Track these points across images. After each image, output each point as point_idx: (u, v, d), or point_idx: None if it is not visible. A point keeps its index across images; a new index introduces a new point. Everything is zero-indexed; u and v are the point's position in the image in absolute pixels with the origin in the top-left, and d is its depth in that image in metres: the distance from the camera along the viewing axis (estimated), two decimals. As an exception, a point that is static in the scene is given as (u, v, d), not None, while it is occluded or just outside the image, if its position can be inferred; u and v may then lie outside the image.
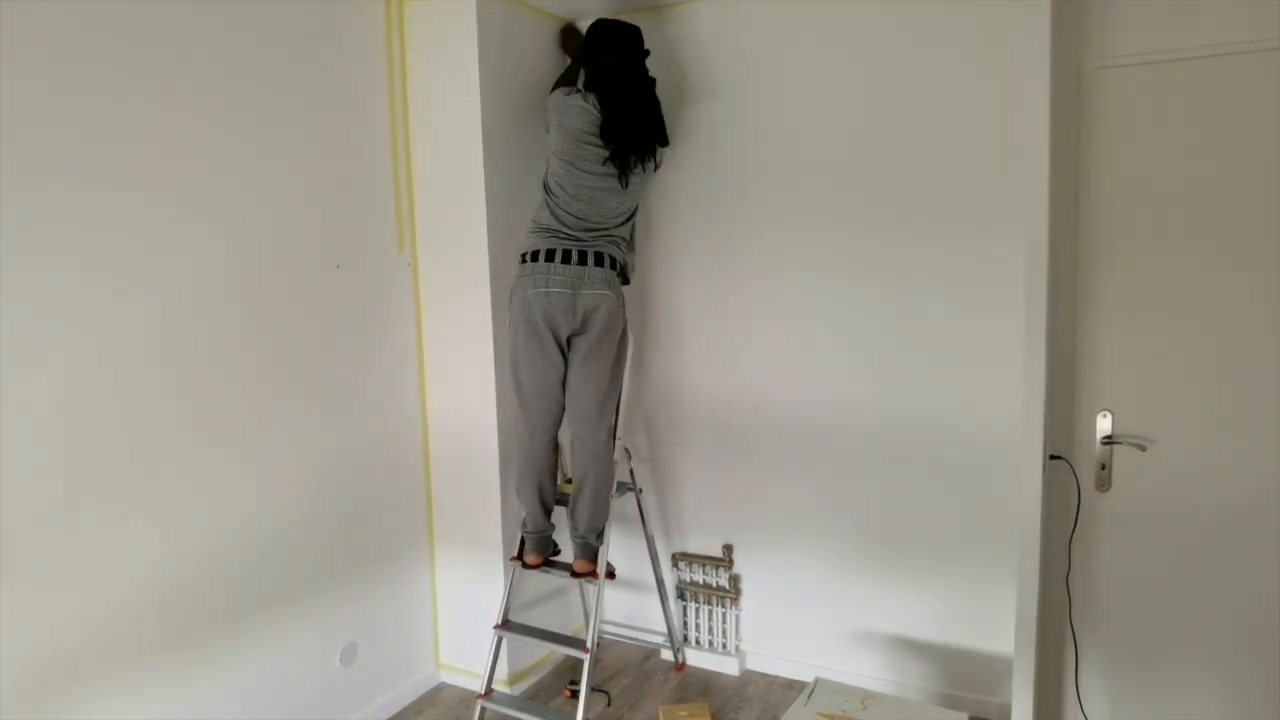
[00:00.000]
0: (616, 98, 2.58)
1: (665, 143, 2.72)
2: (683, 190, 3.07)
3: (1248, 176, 2.17)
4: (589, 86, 2.60)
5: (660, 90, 3.06)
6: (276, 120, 2.40)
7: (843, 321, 2.83)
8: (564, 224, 2.59)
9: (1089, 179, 2.35)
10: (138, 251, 2.06)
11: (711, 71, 2.96)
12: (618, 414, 2.83)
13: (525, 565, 2.78)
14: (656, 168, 2.72)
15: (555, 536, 2.85)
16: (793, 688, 3.02)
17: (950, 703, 2.78)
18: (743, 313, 3.01)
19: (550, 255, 2.55)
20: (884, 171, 2.71)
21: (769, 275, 2.94)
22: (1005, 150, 2.52)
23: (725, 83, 2.94)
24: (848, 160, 2.76)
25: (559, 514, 2.87)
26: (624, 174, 2.58)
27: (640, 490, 3.08)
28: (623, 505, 3.17)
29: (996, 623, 2.70)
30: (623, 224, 2.67)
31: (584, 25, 3.11)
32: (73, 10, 1.90)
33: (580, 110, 2.57)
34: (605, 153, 2.57)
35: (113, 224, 2.01)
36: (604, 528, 2.73)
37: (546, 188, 2.64)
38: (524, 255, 2.61)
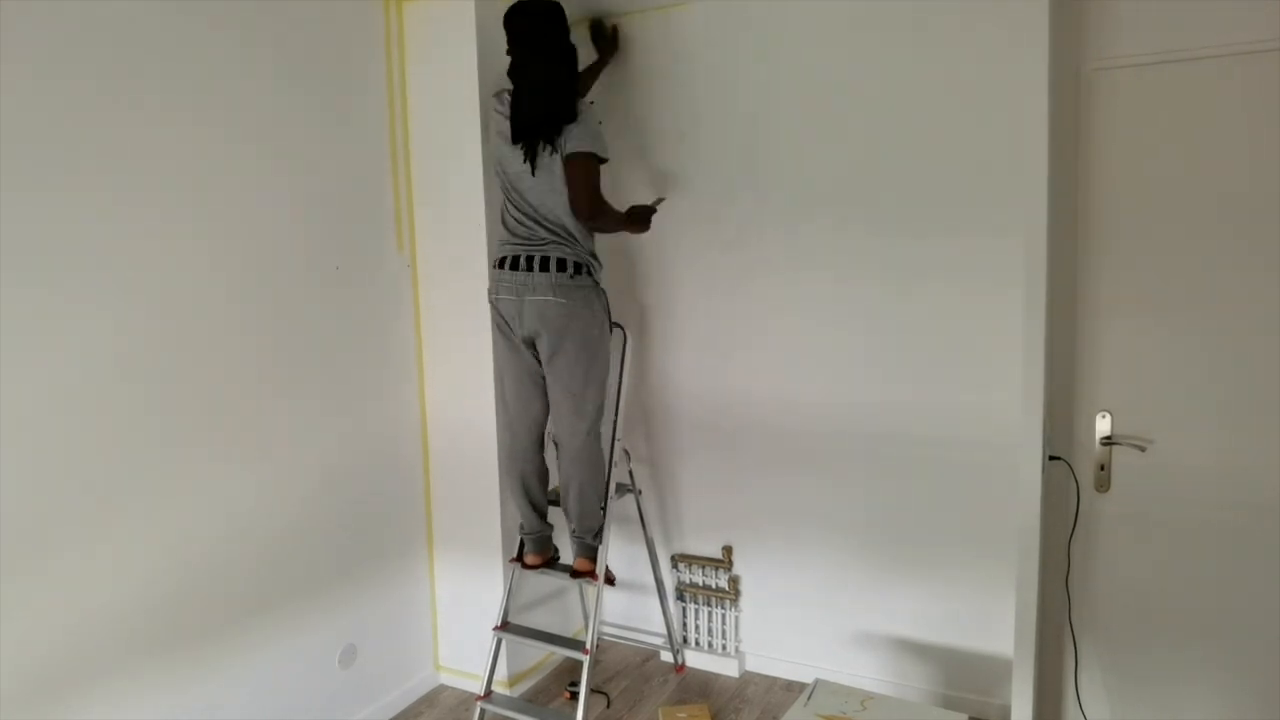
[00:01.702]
0: (519, 83, 2.51)
1: (572, 119, 2.46)
2: (679, 189, 3.07)
3: (1247, 176, 2.18)
4: (509, 75, 2.54)
5: (655, 91, 3.06)
6: (275, 120, 2.40)
7: (841, 322, 2.83)
8: (516, 231, 2.55)
9: (1088, 179, 2.35)
10: (136, 251, 2.06)
11: (707, 72, 2.96)
12: (617, 413, 2.82)
13: (524, 566, 2.78)
14: (557, 151, 2.46)
15: (556, 538, 2.85)
16: (792, 689, 3.02)
17: (950, 704, 2.78)
18: (741, 314, 3.01)
19: (502, 262, 2.55)
20: (883, 171, 2.71)
21: (767, 276, 2.94)
22: (1004, 151, 2.52)
23: (721, 83, 2.94)
24: (846, 160, 2.76)
25: (559, 515, 2.87)
26: (531, 160, 2.47)
27: (639, 492, 3.08)
28: (622, 506, 3.17)
29: (996, 623, 2.70)
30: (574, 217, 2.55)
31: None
32: (68, 10, 1.89)
33: (495, 114, 2.59)
34: (519, 148, 2.49)
35: (111, 224, 2.00)
36: (600, 527, 2.72)
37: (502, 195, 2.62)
38: (491, 262, 2.64)
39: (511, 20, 2.53)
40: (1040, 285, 2.06)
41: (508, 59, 2.55)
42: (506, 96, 2.56)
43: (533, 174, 2.48)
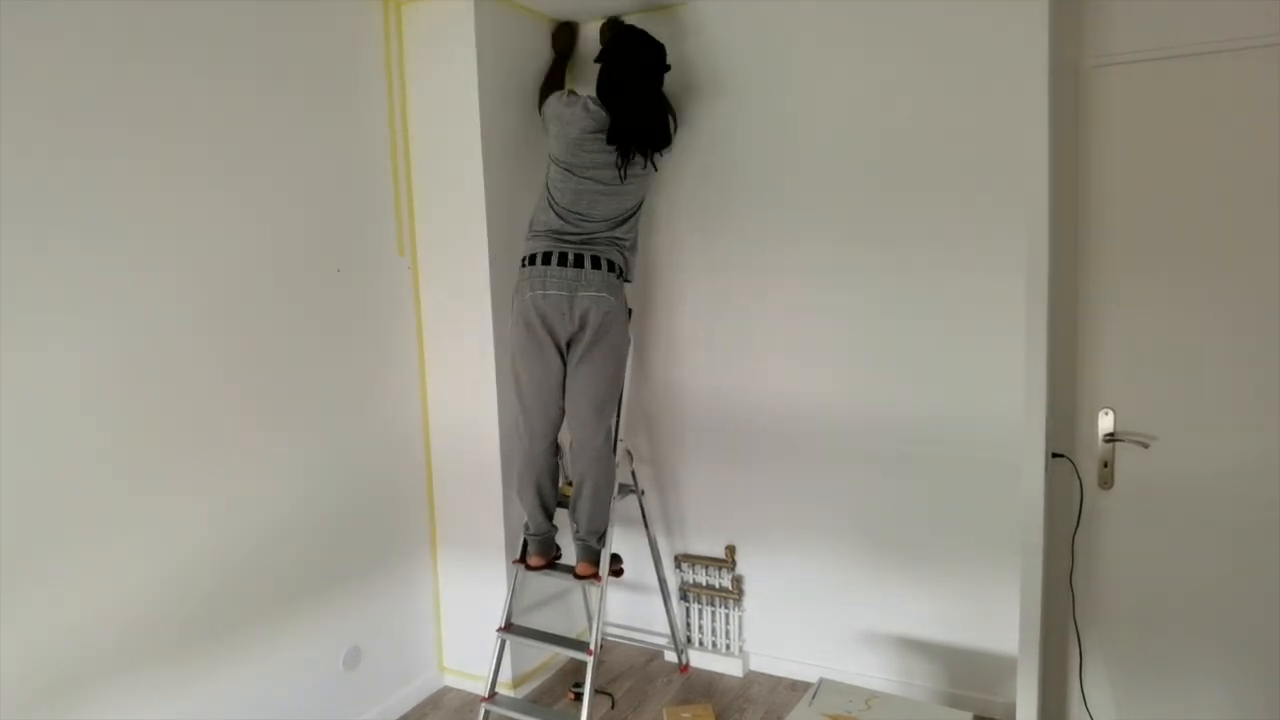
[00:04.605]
0: (629, 97, 2.59)
1: (667, 143, 2.71)
2: (683, 190, 3.07)
3: (1247, 172, 2.17)
4: (602, 87, 2.64)
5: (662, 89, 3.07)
6: (275, 124, 2.40)
7: (843, 322, 2.83)
8: (562, 228, 2.60)
9: (1088, 177, 2.35)
10: (140, 255, 2.06)
11: (711, 71, 2.96)
12: (619, 416, 2.83)
13: (528, 567, 2.78)
14: (655, 168, 2.71)
15: (558, 539, 2.85)
16: (797, 688, 3.02)
17: (955, 702, 2.77)
18: (743, 313, 3.01)
19: (548, 258, 2.56)
20: (884, 171, 2.71)
21: (770, 276, 2.94)
22: (1005, 148, 2.51)
23: (725, 82, 2.94)
24: (847, 160, 2.76)
25: (561, 516, 2.87)
26: (624, 168, 2.58)
27: (642, 492, 3.08)
28: (625, 507, 3.17)
29: (1000, 621, 2.69)
30: (622, 224, 2.67)
31: (589, 26, 3.12)
32: (71, 9, 1.90)
33: (583, 115, 2.59)
34: (604, 154, 2.57)
35: (114, 228, 2.01)
36: (605, 530, 2.73)
37: (547, 191, 2.66)
38: (524, 259, 2.63)
39: (628, 42, 2.66)
40: (1042, 283, 2.06)
41: (600, 67, 2.68)
42: (594, 100, 2.62)
43: (622, 182, 2.59)
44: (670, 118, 2.74)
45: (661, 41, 2.71)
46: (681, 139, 3.03)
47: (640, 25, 3.04)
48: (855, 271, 2.79)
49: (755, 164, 2.92)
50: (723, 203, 3.00)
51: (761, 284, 2.96)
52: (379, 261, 2.79)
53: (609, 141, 2.56)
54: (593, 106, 2.60)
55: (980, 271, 2.60)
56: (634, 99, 2.60)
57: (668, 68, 2.73)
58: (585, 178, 2.59)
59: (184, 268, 2.17)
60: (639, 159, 2.61)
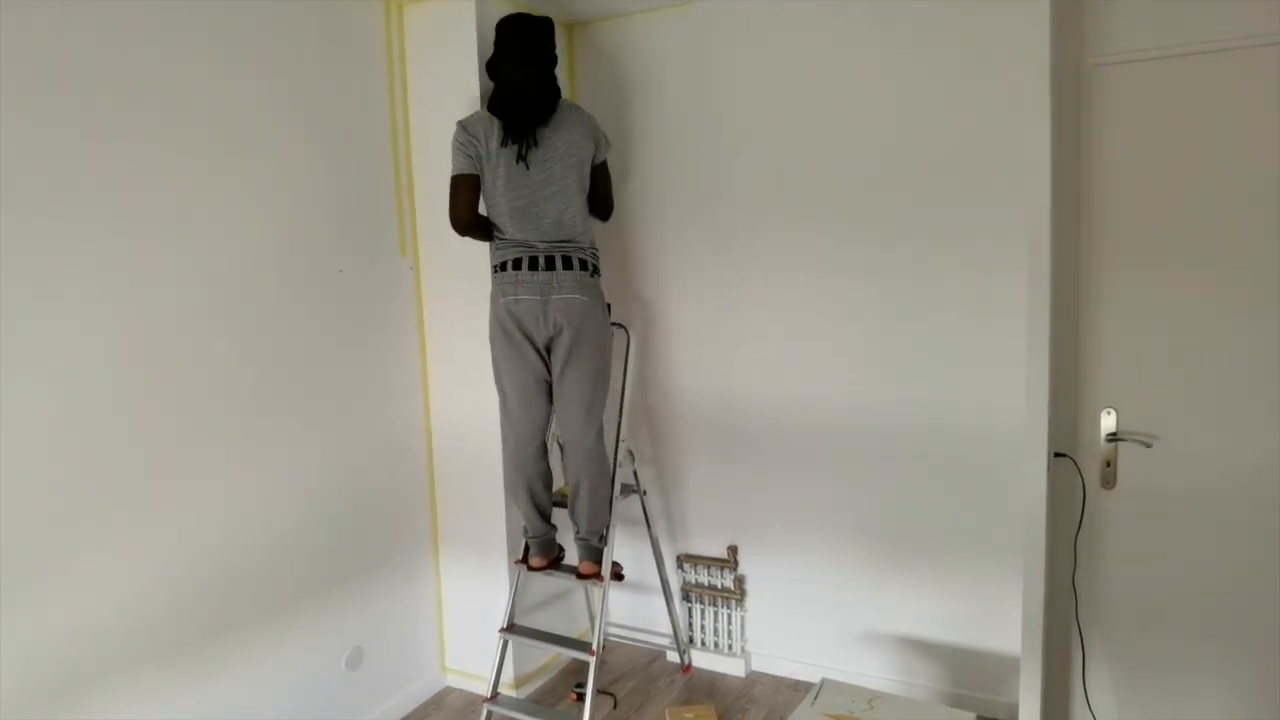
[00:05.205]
0: (511, 89, 2.46)
1: (544, 122, 2.48)
2: (680, 190, 3.07)
3: (1248, 171, 2.17)
4: (489, 69, 2.55)
5: (651, 90, 3.04)
6: (277, 124, 2.40)
7: (845, 321, 2.83)
8: (528, 234, 2.50)
9: (1089, 175, 2.35)
10: (141, 255, 2.07)
11: (706, 72, 2.96)
12: (621, 415, 2.82)
13: (530, 568, 2.78)
14: (535, 143, 2.47)
15: (560, 538, 2.85)
16: (799, 688, 3.02)
17: (957, 702, 2.77)
18: (744, 313, 3.01)
19: (518, 263, 2.50)
20: (885, 171, 2.71)
21: (771, 275, 2.94)
22: (1006, 147, 2.51)
23: (720, 83, 2.94)
24: (848, 160, 2.76)
25: (562, 516, 2.87)
26: (523, 150, 2.45)
27: (644, 492, 3.08)
28: (627, 507, 3.18)
29: (1003, 621, 2.69)
30: (580, 222, 2.55)
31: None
32: (76, 8, 1.90)
33: (472, 139, 2.50)
34: (507, 159, 2.46)
35: (116, 228, 2.01)
36: (606, 529, 2.73)
37: (494, 223, 2.58)
38: (495, 265, 2.58)
39: (513, 29, 2.50)
40: (1044, 282, 2.06)
41: (493, 62, 2.53)
42: (482, 114, 2.52)
43: (528, 168, 2.46)
44: (556, 92, 2.52)
45: (547, 18, 2.54)
46: (681, 138, 3.04)
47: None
48: (857, 271, 2.79)
49: (757, 162, 2.92)
50: (722, 204, 2.99)
51: (762, 284, 2.96)
52: (381, 262, 2.79)
53: (489, 109, 2.47)
54: (474, 129, 2.50)
55: (982, 271, 2.60)
56: (529, 90, 2.46)
57: (553, 56, 2.55)
58: (513, 180, 2.48)
59: (185, 269, 2.17)
60: (528, 141, 2.45)
